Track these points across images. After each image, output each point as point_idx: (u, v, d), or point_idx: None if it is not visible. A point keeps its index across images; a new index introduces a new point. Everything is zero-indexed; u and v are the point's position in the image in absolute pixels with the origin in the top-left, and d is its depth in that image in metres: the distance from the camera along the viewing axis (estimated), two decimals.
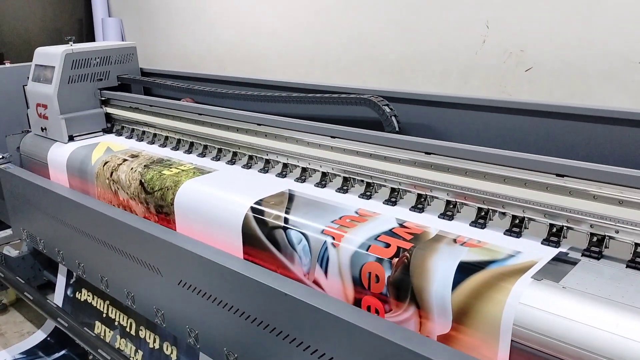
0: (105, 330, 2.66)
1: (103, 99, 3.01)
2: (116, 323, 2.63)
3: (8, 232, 3.41)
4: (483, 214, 1.60)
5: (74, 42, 2.95)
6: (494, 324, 1.27)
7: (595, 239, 1.39)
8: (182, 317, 1.99)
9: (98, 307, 2.75)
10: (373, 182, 1.87)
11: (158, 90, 3.14)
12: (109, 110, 3.01)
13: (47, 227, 2.71)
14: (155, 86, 3.06)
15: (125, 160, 2.44)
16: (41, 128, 2.92)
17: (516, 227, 1.53)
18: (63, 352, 2.74)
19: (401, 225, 1.63)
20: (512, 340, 1.24)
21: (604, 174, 1.36)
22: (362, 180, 1.91)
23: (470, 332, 1.33)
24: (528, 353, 1.22)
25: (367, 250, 1.55)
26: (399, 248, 1.51)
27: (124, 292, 2.26)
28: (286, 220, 1.77)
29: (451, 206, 1.67)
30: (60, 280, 2.95)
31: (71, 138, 2.84)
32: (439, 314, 1.39)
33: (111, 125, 3.04)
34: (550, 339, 1.18)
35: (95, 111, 2.98)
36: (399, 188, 1.80)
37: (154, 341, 2.43)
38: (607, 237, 1.37)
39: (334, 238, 1.63)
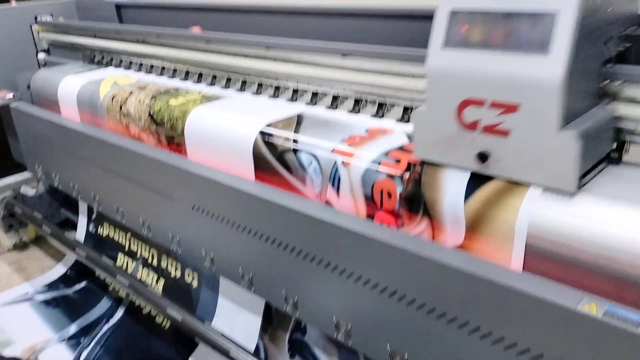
0: (127, 262, 2.72)
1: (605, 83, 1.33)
2: (138, 255, 2.69)
3: (26, 174, 3.45)
4: None
5: None
6: (508, 229, 1.26)
7: (615, 144, 1.35)
8: (197, 242, 2.02)
9: (120, 240, 2.80)
10: (385, 102, 1.83)
11: None
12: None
13: (61, 162, 2.73)
14: None
15: (132, 92, 2.41)
16: (480, 156, 1.30)
17: None
18: (83, 284, 2.82)
19: (412, 140, 1.59)
20: (526, 245, 1.23)
21: None
22: (375, 102, 1.86)
23: (484, 240, 1.32)
24: (543, 257, 1.21)
25: (377, 167, 1.53)
26: (409, 164, 1.48)
27: (139, 221, 2.28)
28: (295, 142, 1.74)
29: None
30: (82, 217, 3.00)
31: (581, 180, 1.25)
32: (452, 225, 1.38)
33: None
34: (567, 241, 1.16)
35: (602, 112, 1.30)
36: (411, 106, 1.75)
37: (176, 269, 2.48)
38: (627, 142, 1.33)
39: (343, 157, 1.61)
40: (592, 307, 1.07)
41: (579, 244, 1.15)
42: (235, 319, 2.16)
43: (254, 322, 2.11)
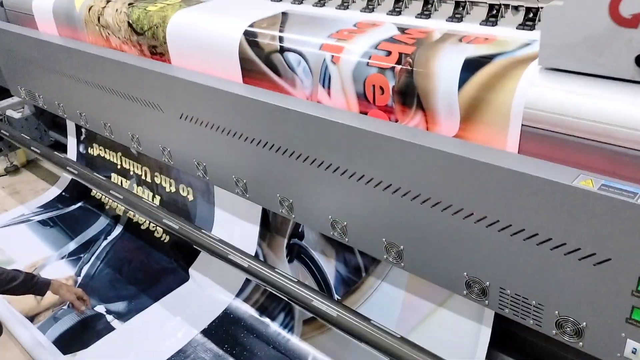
0: (121, 180, 2.71)
1: None
2: (131, 173, 2.67)
3: (11, 100, 3.35)
4: (494, 12, 1.49)
5: None
6: (503, 111, 1.22)
7: None
8: (189, 152, 1.98)
9: (111, 159, 2.77)
10: None
11: None
12: None
13: (44, 81, 2.64)
14: None
15: (108, 1, 2.29)
16: None
17: (530, 21, 1.42)
18: (79, 204, 2.82)
19: (403, 32, 1.52)
20: (522, 125, 1.19)
21: None
22: None
23: (479, 128, 1.29)
24: (539, 138, 1.18)
25: (367, 61, 1.47)
26: (400, 54, 1.41)
27: (128, 136, 2.24)
28: (281, 41, 1.67)
29: (460, 8, 1.55)
30: (71, 139, 2.96)
31: None
32: (446, 115, 1.34)
33: None
34: (564, 117, 1.13)
35: None
36: None
37: (170, 185, 2.48)
38: None
39: (332, 53, 1.54)
40: (588, 182, 1.06)
41: (575, 121, 1.12)
42: (233, 228, 2.18)
43: (252, 230, 2.12)
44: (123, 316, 2.07)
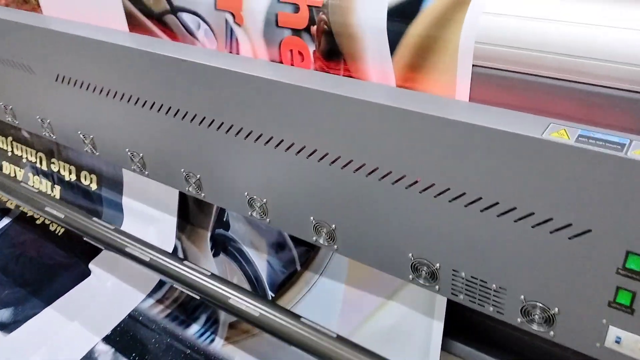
0: (14, 170, 2.30)
1: None
2: (24, 160, 2.26)
3: None
4: None
5: None
6: (449, 51, 0.96)
7: None
8: (71, 122, 1.62)
9: (1, 145, 2.34)
10: None
11: None
12: None
13: None
14: None
15: None
16: None
17: None
18: None
19: None
20: (473, 66, 0.94)
21: None
22: None
23: (421, 79, 1.03)
24: (496, 77, 0.93)
25: (275, 22, 1.16)
26: (310, 8, 1.11)
27: (0, 107, 1.84)
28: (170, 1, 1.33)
29: None
30: None
31: None
32: (380, 78, 1.07)
33: None
34: (523, 51, 0.88)
35: None
36: None
37: (70, 173, 2.10)
38: None
39: (233, 14, 1.23)
40: (561, 133, 0.82)
41: (538, 54, 0.87)
42: (146, 221, 1.85)
43: (169, 222, 1.80)
44: (7, 326, 1.71)
